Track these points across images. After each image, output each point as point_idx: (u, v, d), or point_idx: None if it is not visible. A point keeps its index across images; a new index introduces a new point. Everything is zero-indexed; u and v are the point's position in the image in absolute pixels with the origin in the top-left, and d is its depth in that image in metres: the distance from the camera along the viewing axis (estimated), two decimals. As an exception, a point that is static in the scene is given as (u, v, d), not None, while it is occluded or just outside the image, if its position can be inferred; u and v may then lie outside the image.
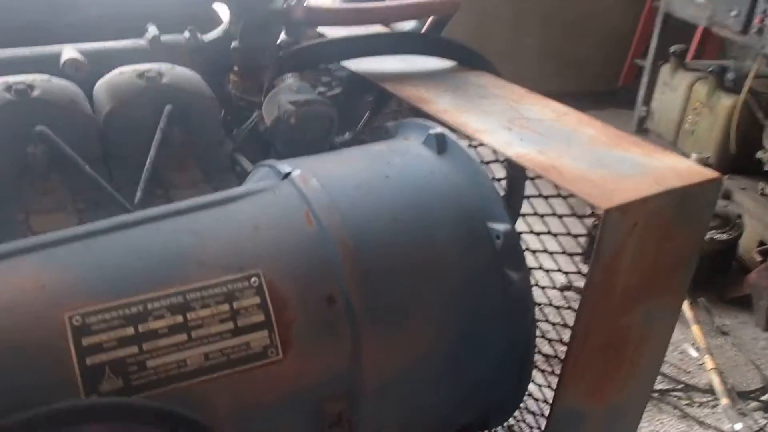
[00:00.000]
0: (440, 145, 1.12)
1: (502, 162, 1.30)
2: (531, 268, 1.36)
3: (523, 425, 1.24)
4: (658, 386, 2.58)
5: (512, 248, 1.02)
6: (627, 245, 0.94)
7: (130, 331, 0.85)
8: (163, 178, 1.18)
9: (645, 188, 0.95)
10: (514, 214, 1.36)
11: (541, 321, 1.35)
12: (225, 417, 0.88)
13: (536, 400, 1.21)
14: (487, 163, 1.34)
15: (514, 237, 1.03)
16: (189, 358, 0.87)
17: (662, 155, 1.06)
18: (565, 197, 1.16)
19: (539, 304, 1.35)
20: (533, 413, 1.20)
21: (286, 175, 1.03)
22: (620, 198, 0.91)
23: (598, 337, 0.99)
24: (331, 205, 0.98)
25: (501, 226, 1.03)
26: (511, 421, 1.28)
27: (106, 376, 0.83)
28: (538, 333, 1.21)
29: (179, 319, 0.87)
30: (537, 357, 1.22)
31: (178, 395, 0.85)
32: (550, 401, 1.04)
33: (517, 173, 1.35)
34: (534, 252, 1.34)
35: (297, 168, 1.05)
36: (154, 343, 0.86)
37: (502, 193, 1.30)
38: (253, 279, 0.91)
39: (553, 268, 1.28)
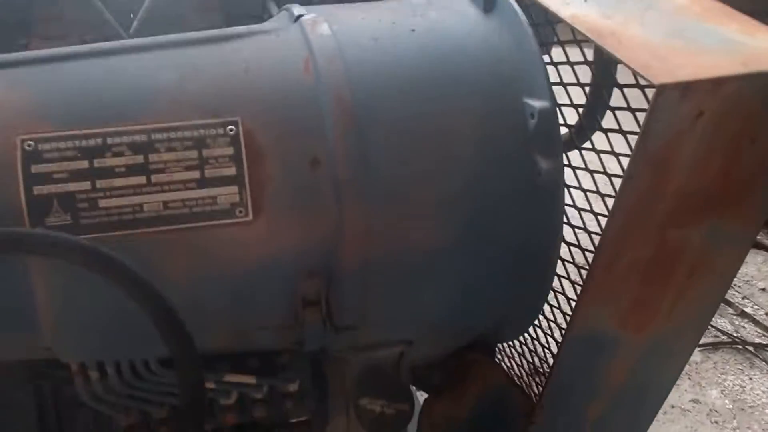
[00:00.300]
0: (487, 1, 0.93)
1: (579, 42, 1.08)
2: (593, 171, 1.17)
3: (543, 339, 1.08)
4: (756, 340, 2.30)
5: (547, 131, 0.84)
6: (687, 138, 0.73)
7: (84, 164, 0.77)
8: (181, 20, 1.08)
9: (724, 67, 0.72)
10: (594, 116, 1.14)
11: (596, 234, 1.17)
12: (180, 277, 0.80)
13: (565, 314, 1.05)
14: (564, 43, 1.13)
15: (552, 118, 0.84)
16: (146, 203, 0.78)
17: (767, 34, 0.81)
18: (643, 87, 0.95)
19: (596, 214, 1.16)
20: (556, 324, 1.04)
21: (298, 18, 0.90)
22: (684, 74, 0.70)
23: (635, 250, 0.81)
24: (336, 54, 0.84)
25: (538, 103, 0.84)
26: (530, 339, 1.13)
27: (54, 209, 0.76)
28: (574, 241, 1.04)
29: (139, 159, 0.78)
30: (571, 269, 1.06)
31: (131, 243, 0.78)
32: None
33: (602, 57, 1.11)
34: (599, 153, 1.13)
35: (313, 12, 0.90)
36: (109, 182, 0.77)
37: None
38: (229, 127, 0.80)
39: (617, 173, 1.07)
